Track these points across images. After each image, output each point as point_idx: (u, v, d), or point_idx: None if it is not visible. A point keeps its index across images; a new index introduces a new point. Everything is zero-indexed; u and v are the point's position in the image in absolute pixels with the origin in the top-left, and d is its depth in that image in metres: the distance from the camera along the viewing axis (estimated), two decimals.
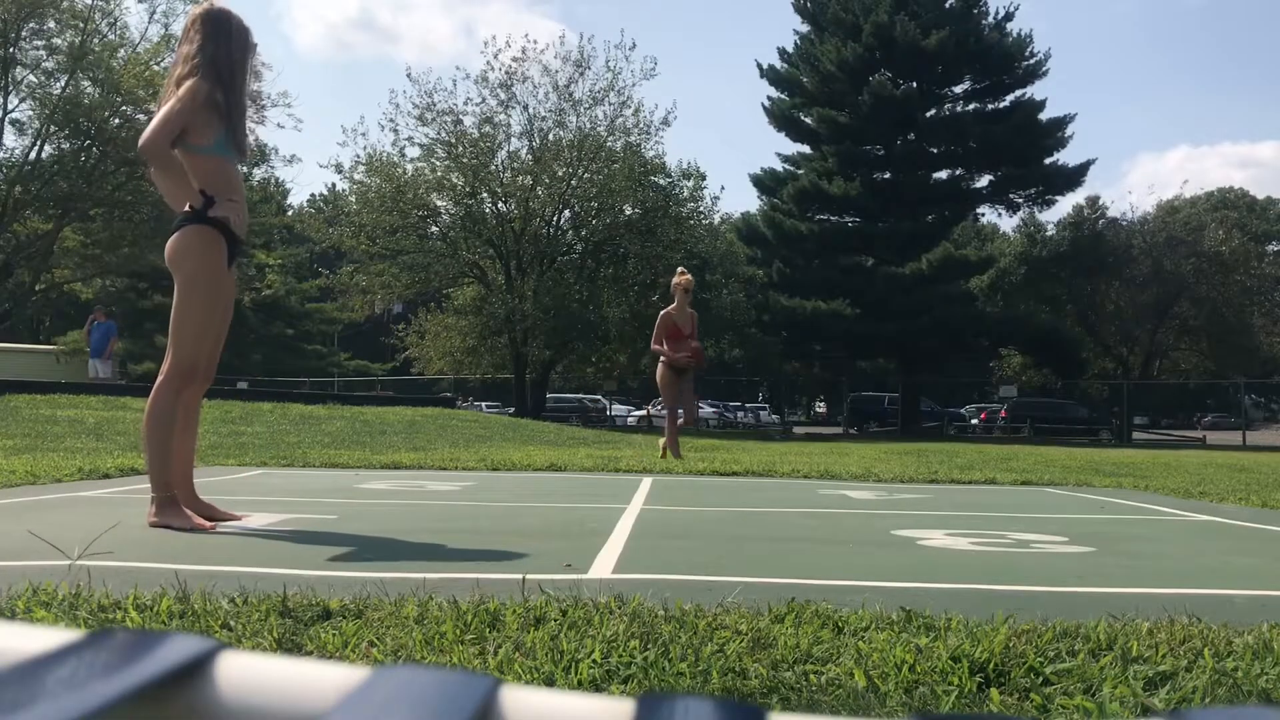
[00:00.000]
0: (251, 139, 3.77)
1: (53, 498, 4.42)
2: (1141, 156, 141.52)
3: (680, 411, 8.82)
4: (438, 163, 25.72)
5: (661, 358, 8.58)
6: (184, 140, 3.39)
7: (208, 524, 3.42)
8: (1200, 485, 6.71)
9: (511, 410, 26.31)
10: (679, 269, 8.84)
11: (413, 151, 25.99)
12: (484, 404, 36.55)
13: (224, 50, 3.47)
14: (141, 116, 24.36)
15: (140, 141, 3.39)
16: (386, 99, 28.96)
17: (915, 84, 31.51)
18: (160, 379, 3.46)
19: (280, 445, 8.94)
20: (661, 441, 8.86)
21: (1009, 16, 31.94)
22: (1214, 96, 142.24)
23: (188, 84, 3.38)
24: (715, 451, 10.80)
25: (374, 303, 28.09)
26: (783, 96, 33.25)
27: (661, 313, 8.55)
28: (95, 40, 23.79)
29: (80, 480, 5.36)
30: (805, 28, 33.17)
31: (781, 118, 33.13)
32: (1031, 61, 31.53)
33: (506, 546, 3.16)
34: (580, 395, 38.24)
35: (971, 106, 32.49)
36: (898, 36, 29.89)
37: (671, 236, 26.25)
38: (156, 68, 24.01)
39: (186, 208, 3.41)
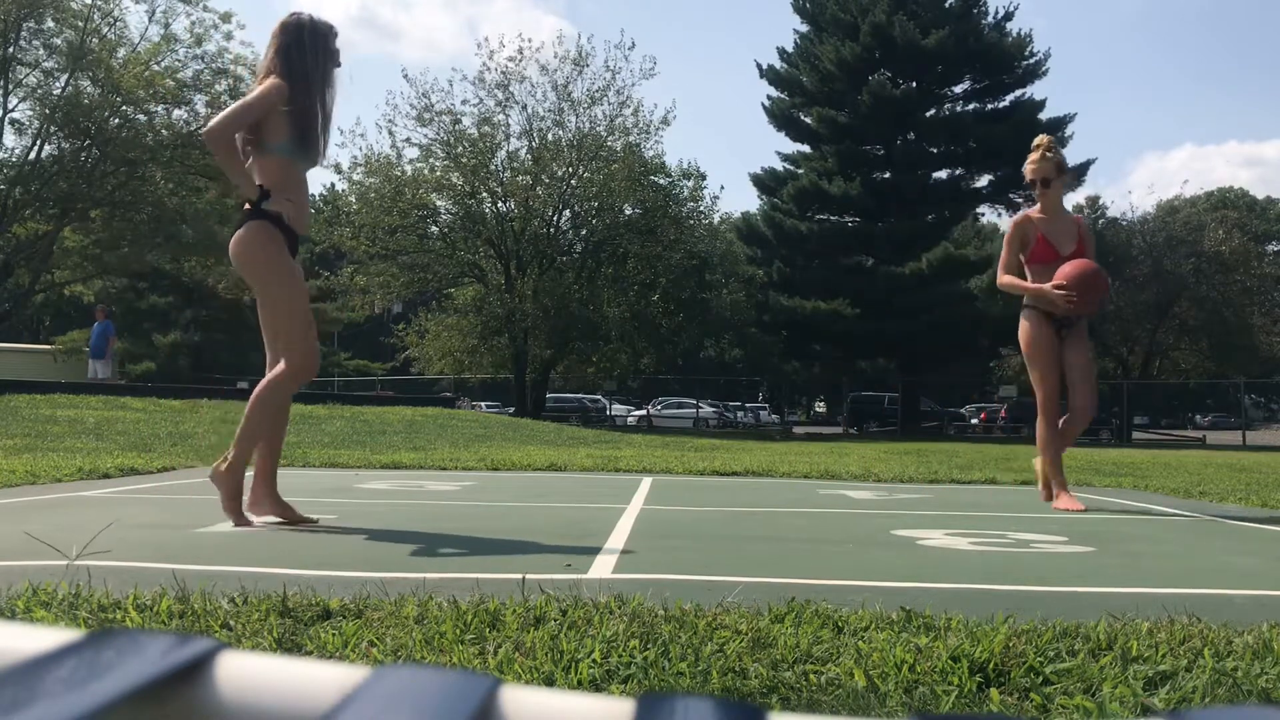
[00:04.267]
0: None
1: (53, 498, 4.42)
2: (1146, 156, 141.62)
3: (1070, 404, 4.88)
4: (436, 163, 25.73)
5: (1024, 301, 4.94)
6: (254, 137, 3.48)
7: (255, 520, 3.53)
8: (1200, 485, 6.71)
9: (511, 410, 26.31)
10: (1038, 140, 5.00)
11: (411, 152, 26.02)
12: (484, 404, 36.55)
13: (299, 56, 3.54)
14: (141, 117, 24.36)
15: (206, 127, 3.47)
16: (386, 99, 28.99)
17: (915, 84, 31.51)
18: (276, 375, 3.52)
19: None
20: (1037, 464, 5.11)
21: (1009, 16, 31.93)
22: (1218, 95, 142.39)
23: (266, 82, 3.48)
24: (715, 451, 10.80)
25: (374, 303, 28.09)
26: (783, 96, 33.24)
27: (1015, 218, 5.03)
28: (94, 40, 23.77)
29: (80, 480, 5.36)
30: (805, 27, 33.17)
31: (781, 117, 33.12)
32: (1031, 61, 31.52)
33: (506, 546, 3.16)
34: (580, 395, 38.23)
35: (971, 106, 32.48)
36: (897, 36, 29.88)
37: (671, 236, 26.26)
38: (156, 68, 24.01)
39: (245, 206, 3.51)
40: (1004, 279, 4.97)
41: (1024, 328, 4.92)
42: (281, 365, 3.51)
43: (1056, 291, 4.70)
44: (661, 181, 27.41)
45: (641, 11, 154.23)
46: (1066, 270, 4.71)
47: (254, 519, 3.55)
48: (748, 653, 1.68)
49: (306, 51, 3.56)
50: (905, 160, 31.62)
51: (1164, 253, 31.52)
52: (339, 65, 3.72)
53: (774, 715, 0.28)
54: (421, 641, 1.70)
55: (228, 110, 3.47)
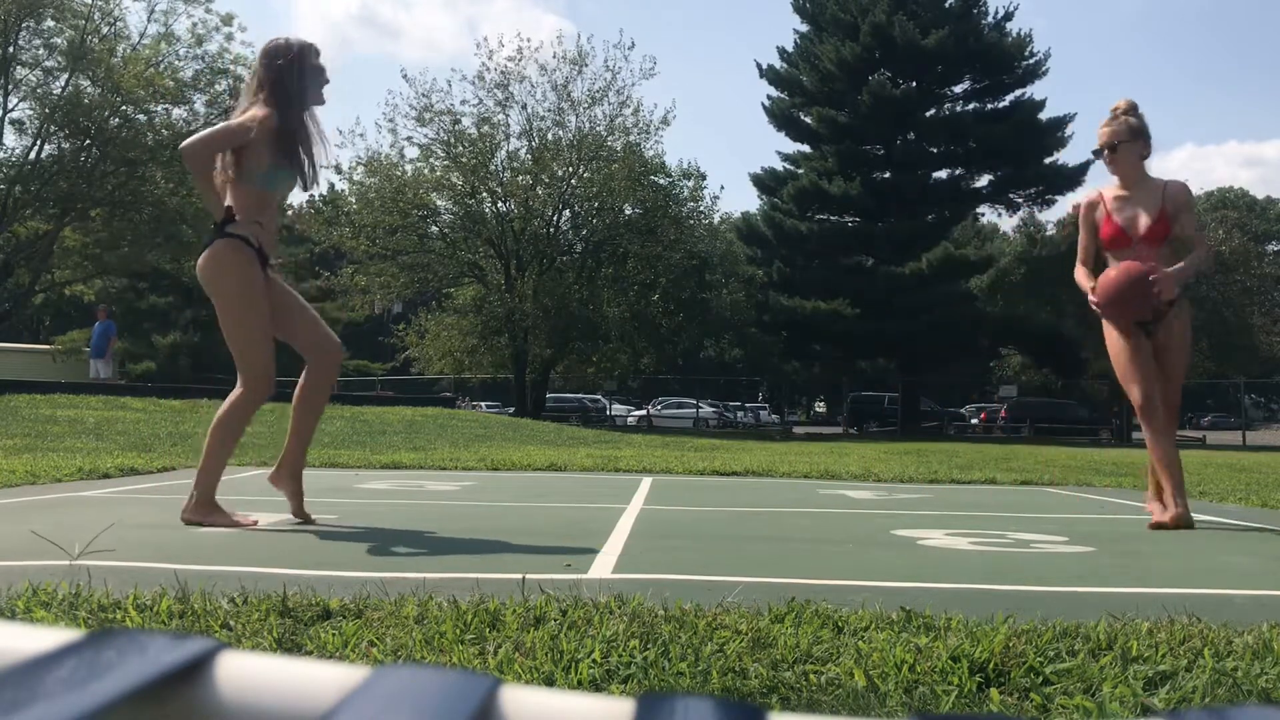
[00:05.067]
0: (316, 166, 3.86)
1: (53, 498, 4.42)
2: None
3: (1157, 409, 4.20)
4: (436, 163, 25.74)
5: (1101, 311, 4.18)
6: (236, 160, 3.47)
7: (248, 520, 3.56)
8: (1200, 485, 6.71)
9: (511, 410, 26.31)
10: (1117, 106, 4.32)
11: (411, 152, 26.02)
12: (484, 404, 36.55)
13: (287, 84, 3.53)
14: (141, 117, 24.36)
15: (185, 143, 3.47)
16: (386, 98, 28.98)
17: (915, 84, 31.51)
18: (235, 399, 3.57)
19: (280, 445, 8.91)
20: (1148, 503, 4.45)
21: (1009, 16, 31.93)
22: (1219, 95, 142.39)
23: (254, 110, 3.47)
24: (715, 451, 10.80)
25: (374, 303, 28.10)
26: (782, 96, 33.24)
27: (1084, 200, 4.40)
28: (94, 39, 23.78)
29: (80, 480, 5.36)
30: (805, 27, 33.17)
31: (781, 117, 33.12)
32: (1031, 61, 31.52)
33: (506, 546, 3.16)
34: (580, 395, 38.22)
35: (971, 106, 32.48)
36: (897, 36, 29.89)
37: (671, 236, 26.26)
38: (156, 68, 24.00)
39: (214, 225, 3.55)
40: (1076, 271, 4.34)
41: (1105, 328, 4.28)
42: (239, 388, 3.55)
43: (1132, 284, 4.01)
44: (661, 181, 27.41)
45: (641, 11, 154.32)
46: (1104, 277, 4.14)
47: (239, 515, 3.60)
48: (748, 653, 1.68)
49: (295, 78, 3.54)
50: (905, 160, 31.62)
51: None
52: (327, 82, 3.71)
53: (774, 715, 0.28)
54: (421, 641, 1.70)
55: (210, 131, 3.48)
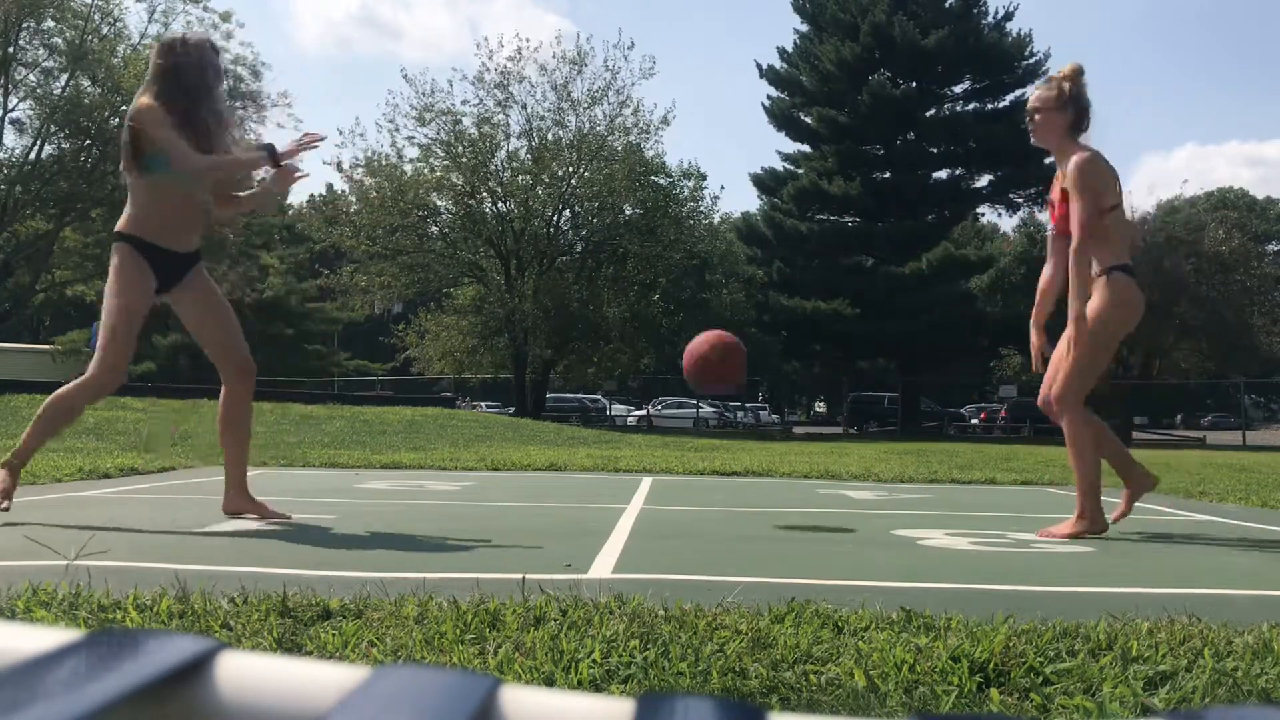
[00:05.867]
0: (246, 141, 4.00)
1: (53, 498, 4.42)
2: (1147, 156, 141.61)
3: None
4: (436, 163, 25.73)
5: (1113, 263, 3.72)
6: (129, 155, 3.53)
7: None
8: (1200, 485, 6.71)
9: (511, 410, 26.31)
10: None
11: (411, 152, 26.01)
12: (484, 404, 36.55)
13: (177, 77, 3.53)
14: None
15: (184, 170, 3.50)
16: (386, 99, 28.97)
17: (915, 84, 31.53)
18: (79, 382, 3.62)
19: (280, 445, 8.93)
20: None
21: (1009, 16, 31.95)
22: (1220, 95, 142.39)
23: (141, 101, 3.51)
24: (715, 451, 10.80)
25: (374, 303, 28.10)
26: (783, 96, 33.25)
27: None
28: (94, 39, 23.77)
29: (80, 480, 5.36)
30: (805, 27, 33.19)
31: (781, 117, 33.14)
32: (1031, 61, 31.54)
33: (506, 546, 3.16)
34: (580, 395, 38.23)
35: (971, 106, 32.51)
36: (897, 36, 29.90)
37: (671, 236, 26.25)
38: None
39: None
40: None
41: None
42: (87, 374, 3.58)
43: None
44: (662, 181, 27.42)
45: (641, 11, 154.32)
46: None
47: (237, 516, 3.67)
48: (748, 653, 1.68)
49: (183, 72, 3.53)
50: (905, 160, 31.64)
51: (1164, 253, 31.50)
52: (220, 80, 3.74)
53: (774, 715, 0.28)
54: (421, 641, 1.70)
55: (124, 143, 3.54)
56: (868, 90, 30.36)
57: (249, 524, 3.57)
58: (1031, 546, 3.45)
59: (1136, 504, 4.08)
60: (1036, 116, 3.77)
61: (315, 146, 3.68)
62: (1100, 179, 3.63)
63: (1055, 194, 3.79)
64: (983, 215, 36.30)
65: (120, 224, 3.56)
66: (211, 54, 3.66)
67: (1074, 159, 3.63)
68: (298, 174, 3.71)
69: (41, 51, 24.02)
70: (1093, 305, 3.68)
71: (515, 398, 26.89)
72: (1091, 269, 3.69)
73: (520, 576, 2.33)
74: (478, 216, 25.73)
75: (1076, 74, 3.76)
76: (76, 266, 28.12)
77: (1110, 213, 3.65)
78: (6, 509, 3.55)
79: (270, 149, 3.62)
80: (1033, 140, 3.86)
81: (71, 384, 3.63)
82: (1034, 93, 3.84)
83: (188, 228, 3.63)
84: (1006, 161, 31.41)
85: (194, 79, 3.55)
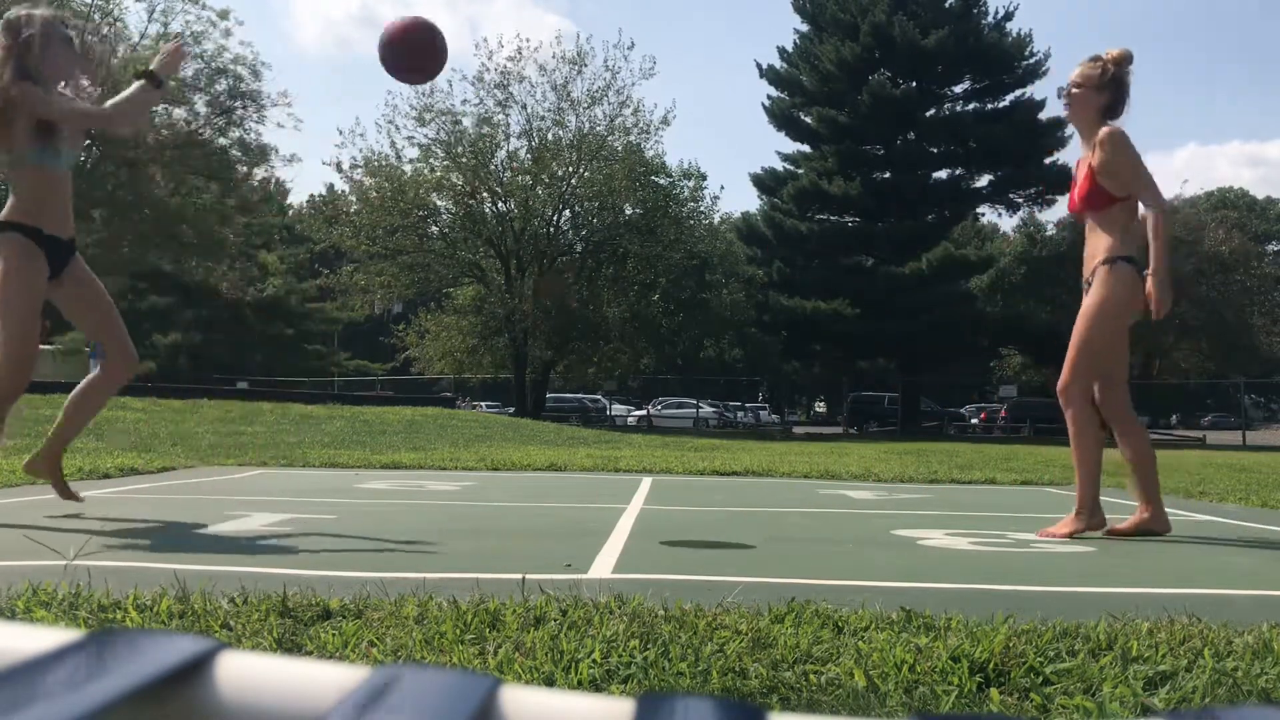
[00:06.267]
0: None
1: (53, 497, 4.41)
2: (1148, 156, 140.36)
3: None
4: (436, 163, 25.74)
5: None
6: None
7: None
8: (1200, 485, 6.71)
9: (511, 410, 26.31)
10: None
11: (411, 152, 26.02)
12: (484, 404, 36.56)
13: (25, 55, 3.46)
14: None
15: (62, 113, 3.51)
16: (386, 99, 28.96)
17: (915, 84, 31.53)
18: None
19: (280, 445, 8.93)
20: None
21: (1009, 16, 31.94)
22: (1221, 95, 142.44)
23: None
24: (715, 451, 10.80)
25: (374, 303, 28.12)
26: (783, 96, 33.25)
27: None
28: (94, 39, 23.76)
29: (80, 480, 5.35)
30: (805, 27, 33.18)
31: (781, 117, 33.13)
32: (1031, 61, 31.54)
33: (506, 546, 3.16)
34: (580, 395, 38.23)
35: (971, 106, 32.51)
36: (897, 36, 29.90)
37: (671, 236, 26.27)
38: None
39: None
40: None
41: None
42: None
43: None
44: (661, 181, 27.44)
45: (641, 11, 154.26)
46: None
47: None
48: (748, 653, 1.68)
49: (31, 50, 3.46)
50: (905, 160, 31.64)
51: None
52: (78, 53, 3.68)
53: (774, 715, 0.28)
54: (421, 641, 1.70)
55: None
56: (868, 90, 30.36)
57: (249, 524, 3.57)
58: (1031, 546, 3.45)
59: (1135, 504, 4.07)
60: (1074, 91, 3.76)
61: (185, 55, 3.70)
62: (1133, 147, 3.67)
63: (1080, 173, 3.79)
64: (983, 215, 36.33)
65: (5, 214, 3.47)
66: (57, 24, 3.60)
67: (1105, 130, 3.65)
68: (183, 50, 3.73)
69: None
70: (1096, 295, 3.72)
71: (515, 398, 26.90)
72: (1098, 257, 3.72)
73: (520, 576, 2.33)
74: (478, 216, 25.74)
75: (1124, 59, 3.76)
76: None
77: (1123, 203, 3.68)
78: None
79: (148, 73, 3.62)
80: (1064, 115, 3.86)
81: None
82: (1078, 68, 3.81)
83: (68, 214, 3.62)
84: (1006, 161, 31.42)
85: (45, 48, 3.50)
